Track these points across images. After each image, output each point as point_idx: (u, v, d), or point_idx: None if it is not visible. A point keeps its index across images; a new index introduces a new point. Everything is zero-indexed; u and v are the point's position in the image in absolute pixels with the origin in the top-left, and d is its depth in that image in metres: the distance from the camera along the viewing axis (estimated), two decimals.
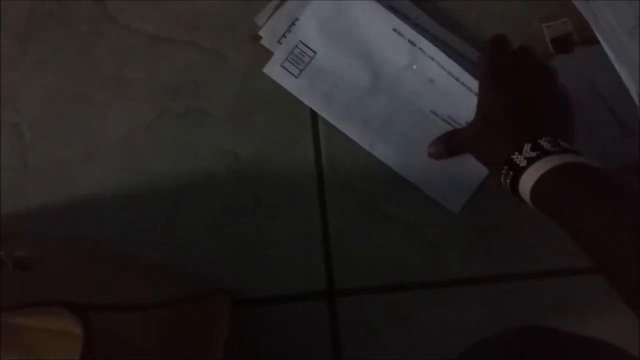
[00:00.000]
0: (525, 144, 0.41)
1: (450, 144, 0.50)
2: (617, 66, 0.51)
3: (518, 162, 0.41)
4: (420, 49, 0.53)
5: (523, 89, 0.45)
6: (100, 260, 0.46)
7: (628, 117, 0.50)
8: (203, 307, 0.45)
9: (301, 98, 0.54)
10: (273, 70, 0.54)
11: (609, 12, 0.52)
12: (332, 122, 0.53)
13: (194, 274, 0.52)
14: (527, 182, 0.40)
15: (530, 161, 0.40)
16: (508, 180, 0.42)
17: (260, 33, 0.55)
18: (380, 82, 0.53)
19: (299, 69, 0.54)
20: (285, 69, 0.54)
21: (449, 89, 0.52)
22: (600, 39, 0.52)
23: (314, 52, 0.53)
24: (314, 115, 0.54)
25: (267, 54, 0.54)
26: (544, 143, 0.41)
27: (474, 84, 0.51)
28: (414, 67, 0.53)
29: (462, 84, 0.52)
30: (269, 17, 0.55)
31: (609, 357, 0.37)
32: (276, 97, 0.55)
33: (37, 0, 0.57)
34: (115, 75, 0.56)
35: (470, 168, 0.50)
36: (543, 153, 0.40)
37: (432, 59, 0.53)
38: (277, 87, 0.55)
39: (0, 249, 0.36)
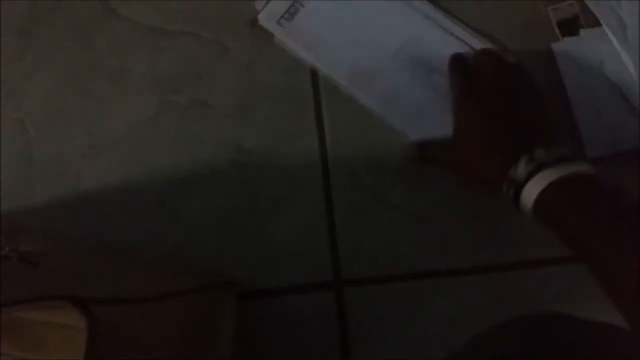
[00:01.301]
0: (521, 157, 0.40)
1: (426, 154, 0.49)
2: (620, 51, 0.50)
3: (516, 178, 0.40)
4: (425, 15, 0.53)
5: (501, 100, 0.44)
6: (104, 254, 0.47)
7: (636, 100, 0.49)
8: (209, 299, 0.45)
9: (291, 44, 0.54)
10: (269, 25, 0.54)
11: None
12: (323, 68, 0.53)
13: (199, 266, 0.52)
14: (527, 198, 0.39)
15: (528, 176, 0.39)
16: (511, 196, 0.41)
17: (259, 17, 0.54)
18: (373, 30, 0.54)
19: (293, 25, 0.54)
20: (281, 25, 0.54)
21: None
22: (603, 24, 0.51)
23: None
24: (318, 105, 0.54)
25: (269, 42, 0.54)
26: (539, 154, 0.40)
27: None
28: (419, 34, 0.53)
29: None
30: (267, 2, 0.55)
31: (623, 341, 0.36)
32: (279, 87, 0.54)
33: None
34: (117, 68, 0.55)
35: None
36: (540, 166, 0.39)
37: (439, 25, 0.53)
38: (280, 77, 0.54)
39: (5, 244, 0.36)
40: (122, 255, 0.48)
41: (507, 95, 0.45)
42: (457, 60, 0.50)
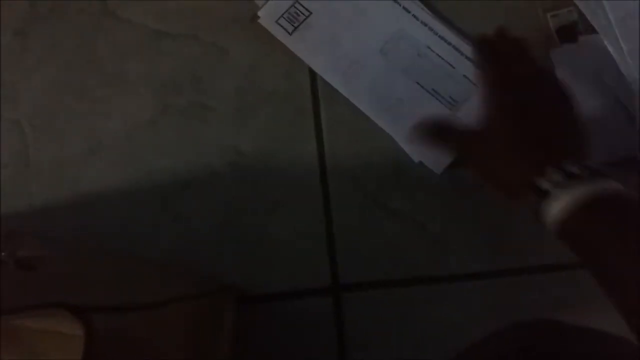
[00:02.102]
0: (550, 168, 0.37)
1: (439, 139, 0.46)
2: (615, 57, 0.50)
3: (543, 188, 0.37)
4: (413, 15, 0.54)
5: (538, 106, 0.41)
6: (103, 259, 0.46)
7: (634, 107, 0.49)
8: (208, 304, 0.45)
9: (296, 52, 0.54)
10: (269, 23, 0.54)
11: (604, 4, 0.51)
12: (324, 75, 0.54)
13: (198, 271, 0.52)
14: (554, 213, 0.37)
15: (557, 188, 0.37)
16: (534, 207, 0.38)
17: (259, 13, 0.54)
18: (372, 43, 0.54)
19: (293, 26, 0.54)
20: (280, 25, 0.54)
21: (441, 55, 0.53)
22: (598, 30, 0.51)
23: (309, 12, 0.54)
24: (316, 108, 0.54)
25: (268, 45, 0.54)
26: (568, 166, 0.37)
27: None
28: (407, 31, 0.54)
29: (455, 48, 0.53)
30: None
31: (617, 349, 0.36)
32: (278, 91, 0.54)
33: None
34: (116, 70, 0.55)
35: None
36: (570, 178, 0.37)
37: (425, 24, 0.54)
38: (279, 81, 0.54)
39: (2, 249, 0.36)
40: (120, 259, 0.48)
41: (548, 97, 0.42)
42: (485, 45, 0.45)
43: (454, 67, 0.53)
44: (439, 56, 0.53)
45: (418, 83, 0.53)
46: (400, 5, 0.54)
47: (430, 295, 0.51)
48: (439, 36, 0.54)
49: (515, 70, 0.42)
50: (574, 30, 0.53)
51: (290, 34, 0.54)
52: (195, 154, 0.53)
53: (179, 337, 0.37)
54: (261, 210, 0.53)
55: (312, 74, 0.54)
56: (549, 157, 0.38)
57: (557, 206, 0.36)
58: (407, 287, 0.51)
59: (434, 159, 0.52)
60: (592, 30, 0.52)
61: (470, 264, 0.51)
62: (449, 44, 0.53)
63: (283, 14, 0.54)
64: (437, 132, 0.45)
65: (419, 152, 0.52)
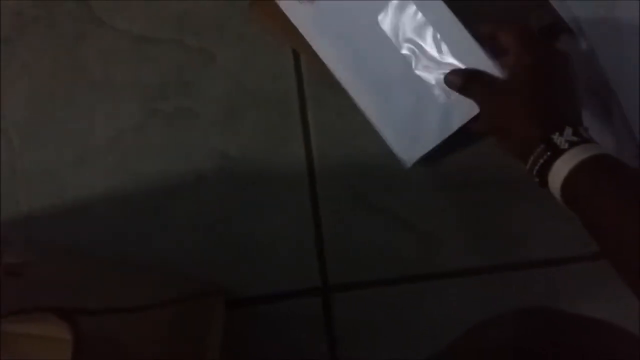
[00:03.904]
0: (567, 127, 0.40)
1: (472, 85, 0.47)
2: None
3: (558, 143, 0.40)
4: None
5: (563, 77, 0.45)
6: (91, 264, 0.46)
7: (614, 104, 0.50)
8: (196, 307, 0.45)
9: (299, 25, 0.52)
10: None
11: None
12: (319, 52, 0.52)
13: (187, 274, 0.52)
14: (563, 166, 0.39)
15: (571, 145, 0.39)
16: (541, 161, 0.41)
17: None
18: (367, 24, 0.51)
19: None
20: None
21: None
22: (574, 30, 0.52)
23: None
24: (303, 111, 0.54)
25: (255, 48, 0.54)
26: (582, 131, 0.40)
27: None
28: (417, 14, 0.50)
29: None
30: None
31: (609, 335, 0.37)
32: (265, 94, 0.54)
33: (21, 1, 0.56)
34: (102, 77, 0.55)
35: (435, 126, 0.49)
36: (582, 140, 0.40)
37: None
38: (266, 85, 0.54)
39: None
40: (109, 264, 0.48)
41: (571, 76, 0.45)
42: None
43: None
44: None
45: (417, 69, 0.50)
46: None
47: (419, 294, 0.51)
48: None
49: (538, 40, 0.46)
50: (556, 30, 0.53)
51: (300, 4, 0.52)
52: (182, 158, 0.54)
53: (166, 340, 0.37)
54: (249, 213, 0.53)
55: (299, 77, 0.55)
56: (565, 119, 0.41)
57: (567, 160, 0.39)
58: (397, 286, 0.52)
59: (406, 151, 0.51)
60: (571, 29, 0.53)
61: (459, 262, 0.52)
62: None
63: None
64: (466, 78, 0.47)
65: (397, 144, 0.51)
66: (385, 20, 0.51)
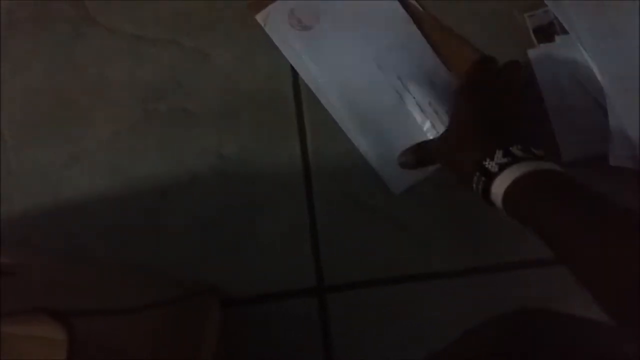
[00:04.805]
0: (497, 151, 0.41)
1: (420, 154, 0.50)
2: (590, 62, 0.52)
3: (489, 168, 0.41)
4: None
5: (495, 101, 0.47)
6: (85, 264, 0.46)
7: (609, 104, 0.50)
8: (191, 307, 0.45)
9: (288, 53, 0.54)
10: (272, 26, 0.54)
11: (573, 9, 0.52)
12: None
13: (182, 274, 0.51)
14: (499, 187, 0.41)
15: (502, 167, 0.41)
16: (480, 187, 0.42)
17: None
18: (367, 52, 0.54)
19: (296, 26, 0.54)
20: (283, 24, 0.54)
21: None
22: (568, 30, 0.52)
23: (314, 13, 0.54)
24: (299, 111, 0.54)
25: (250, 48, 0.54)
26: (515, 150, 0.41)
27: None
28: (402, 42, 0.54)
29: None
30: None
31: (604, 335, 0.37)
32: (260, 94, 0.54)
33: (15, 1, 0.56)
34: (97, 77, 0.55)
35: None
36: (514, 159, 0.41)
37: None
38: (262, 85, 0.54)
39: None
40: (103, 264, 0.48)
41: (493, 96, 0.47)
42: (486, 59, 0.51)
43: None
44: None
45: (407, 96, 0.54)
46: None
47: (414, 294, 0.52)
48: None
49: (475, 77, 0.49)
50: (550, 30, 0.54)
51: (290, 34, 0.54)
52: (177, 158, 0.53)
53: (160, 341, 0.37)
54: (245, 213, 0.53)
55: (295, 76, 0.55)
56: (497, 142, 0.42)
57: (501, 182, 0.40)
58: (392, 286, 0.52)
59: (394, 182, 0.53)
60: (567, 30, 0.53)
61: (452, 262, 0.52)
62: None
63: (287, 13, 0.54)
64: (413, 156, 0.50)
65: (385, 172, 0.53)
66: (378, 56, 0.54)
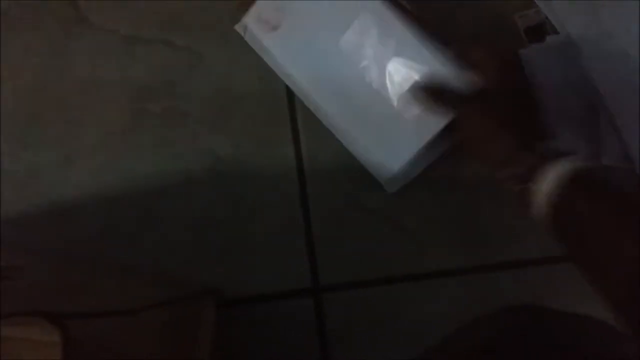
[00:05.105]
0: (538, 143, 0.42)
1: (439, 98, 0.46)
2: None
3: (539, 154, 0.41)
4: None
5: (527, 96, 0.47)
6: (80, 266, 0.46)
7: (601, 105, 0.51)
8: (187, 308, 0.45)
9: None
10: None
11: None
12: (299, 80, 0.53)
13: (177, 275, 0.51)
14: (545, 181, 0.39)
15: (549, 159, 0.40)
16: (519, 176, 0.41)
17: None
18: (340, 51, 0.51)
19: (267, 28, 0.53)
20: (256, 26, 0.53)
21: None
22: (558, 29, 0.53)
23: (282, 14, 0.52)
24: (293, 112, 0.54)
25: (243, 48, 0.54)
26: (553, 144, 0.43)
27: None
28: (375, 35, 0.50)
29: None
30: None
31: (596, 331, 0.37)
32: (254, 95, 0.54)
33: (7, 1, 0.56)
34: (90, 77, 0.55)
35: (415, 158, 0.50)
36: (559, 155, 0.40)
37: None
38: (255, 85, 0.54)
39: None
40: (98, 266, 0.48)
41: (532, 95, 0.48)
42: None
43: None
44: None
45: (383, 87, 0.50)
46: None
47: (409, 293, 0.52)
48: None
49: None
50: (541, 30, 0.54)
51: (266, 36, 0.53)
52: (172, 159, 0.53)
53: (155, 342, 0.37)
54: (240, 214, 0.53)
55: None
56: (537, 133, 0.44)
57: (552, 176, 0.39)
58: (387, 286, 0.52)
59: (388, 179, 0.52)
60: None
61: (448, 261, 0.52)
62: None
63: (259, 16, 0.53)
64: (435, 91, 0.47)
65: (378, 171, 0.52)
66: (349, 42, 0.51)
